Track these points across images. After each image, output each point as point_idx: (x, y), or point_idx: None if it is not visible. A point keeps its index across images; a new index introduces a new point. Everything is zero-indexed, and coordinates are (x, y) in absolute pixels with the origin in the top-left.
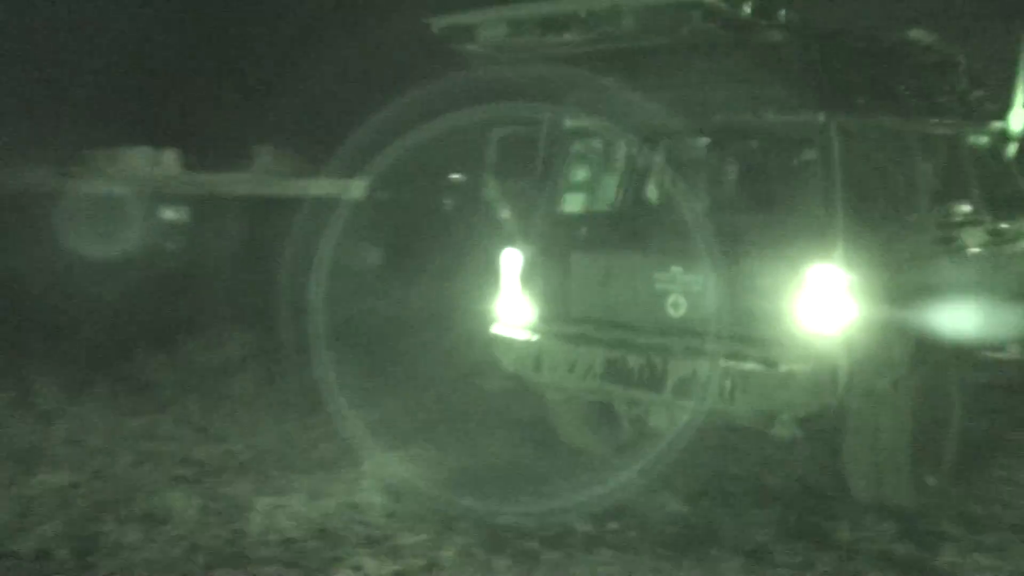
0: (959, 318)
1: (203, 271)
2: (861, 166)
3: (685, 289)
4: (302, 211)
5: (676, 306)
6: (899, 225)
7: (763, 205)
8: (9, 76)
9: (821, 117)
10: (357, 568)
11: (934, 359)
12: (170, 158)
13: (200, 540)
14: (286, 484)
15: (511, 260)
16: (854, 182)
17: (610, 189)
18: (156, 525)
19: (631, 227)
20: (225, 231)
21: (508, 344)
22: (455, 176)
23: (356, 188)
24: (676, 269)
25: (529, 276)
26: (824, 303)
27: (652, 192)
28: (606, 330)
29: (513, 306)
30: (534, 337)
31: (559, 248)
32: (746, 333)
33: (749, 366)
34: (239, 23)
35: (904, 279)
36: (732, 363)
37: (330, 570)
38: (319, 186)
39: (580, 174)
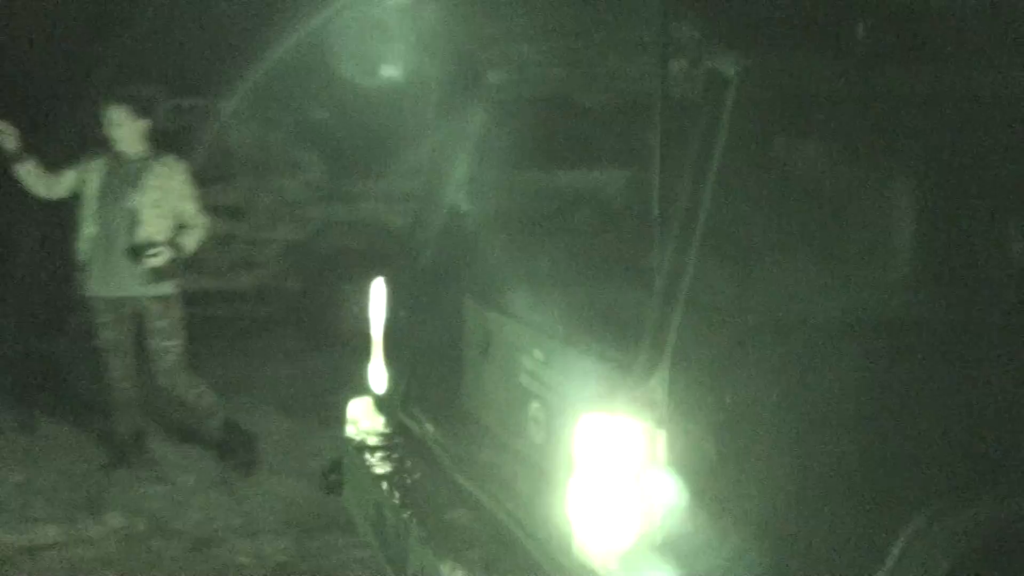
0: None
1: None
2: (775, 177)
3: (544, 393)
4: None
5: (537, 422)
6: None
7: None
8: None
9: (731, 67)
10: None
11: None
12: None
13: None
14: None
15: (379, 295)
16: (741, 214)
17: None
18: None
19: (521, 264)
20: None
21: (344, 431)
22: None
23: None
24: (538, 355)
25: (396, 323)
26: (607, 495)
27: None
28: (450, 440)
29: (376, 369)
30: (359, 430)
31: (445, 283)
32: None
33: None
34: None
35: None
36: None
37: None
38: None
39: (493, 157)
